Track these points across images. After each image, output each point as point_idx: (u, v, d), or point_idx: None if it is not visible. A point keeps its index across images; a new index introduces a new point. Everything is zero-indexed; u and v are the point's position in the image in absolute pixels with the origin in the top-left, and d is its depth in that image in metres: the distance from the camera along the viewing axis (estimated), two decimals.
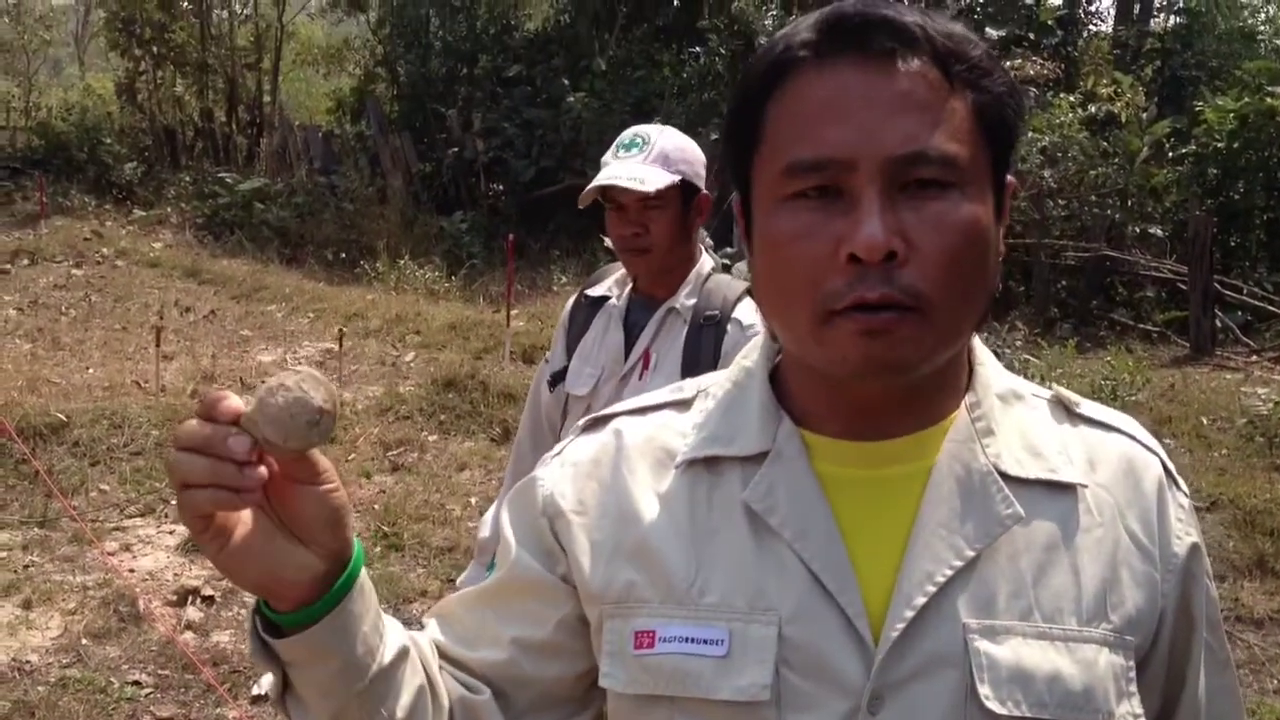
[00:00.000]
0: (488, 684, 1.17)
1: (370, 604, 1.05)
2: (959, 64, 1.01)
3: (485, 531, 2.87)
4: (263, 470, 0.94)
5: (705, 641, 1.07)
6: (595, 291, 2.77)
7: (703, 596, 1.08)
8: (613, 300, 2.72)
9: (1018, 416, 1.13)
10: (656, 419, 1.20)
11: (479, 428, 7.51)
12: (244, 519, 0.98)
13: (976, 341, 1.16)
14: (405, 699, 1.08)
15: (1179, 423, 7.70)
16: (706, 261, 2.69)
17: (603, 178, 2.52)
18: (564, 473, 1.19)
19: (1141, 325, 11.54)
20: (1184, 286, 11.28)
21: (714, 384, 1.21)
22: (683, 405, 1.20)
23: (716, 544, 1.10)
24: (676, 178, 2.52)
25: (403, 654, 1.08)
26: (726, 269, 3.05)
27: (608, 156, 2.60)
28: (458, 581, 2.91)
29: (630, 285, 2.71)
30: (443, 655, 1.18)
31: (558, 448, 1.24)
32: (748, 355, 1.19)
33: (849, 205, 0.99)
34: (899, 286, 0.98)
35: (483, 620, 1.19)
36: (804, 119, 1.02)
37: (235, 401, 0.93)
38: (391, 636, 1.08)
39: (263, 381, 0.93)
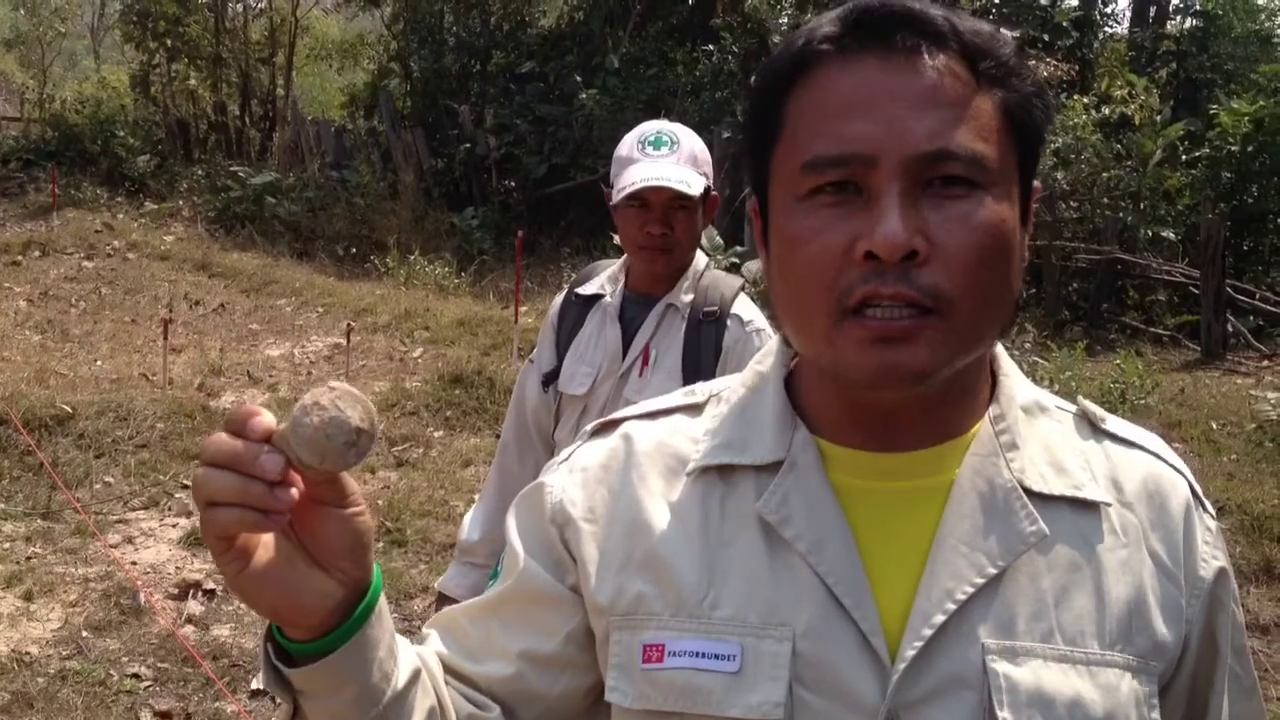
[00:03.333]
0: (494, 699, 1.13)
1: (387, 628, 1.01)
2: (987, 61, 0.98)
3: (466, 534, 2.84)
4: (294, 492, 0.89)
5: (716, 656, 1.03)
6: (586, 290, 2.75)
7: (714, 610, 1.04)
8: (606, 298, 2.70)
9: (1042, 430, 1.09)
10: (667, 424, 1.16)
11: (485, 424, 7.50)
12: (265, 541, 0.94)
13: (1000, 351, 1.12)
14: None
15: (1188, 427, 7.66)
16: (702, 258, 2.68)
17: (644, 178, 2.49)
18: (573, 479, 1.15)
19: (1153, 329, 11.49)
20: (1196, 290, 11.23)
21: (726, 389, 1.17)
22: (694, 410, 1.17)
23: (729, 556, 1.06)
24: (705, 180, 2.53)
25: (415, 676, 1.04)
26: (736, 268, 3.04)
27: (631, 152, 2.57)
28: (437, 584, 2.88)
29: (623, 282, 2.70)
30: (447, 669, 1.14)
31: (565, 453, 1.20)
32: (762, 360, 1.15)
33: (869, 202, 0.96)
34: (918, 286, 0.95)
35: (488, 633, 1.15)
36: (825, 114, 0.98)
37: (268, 418, 0.88)
38: (404, 658, 1.04)
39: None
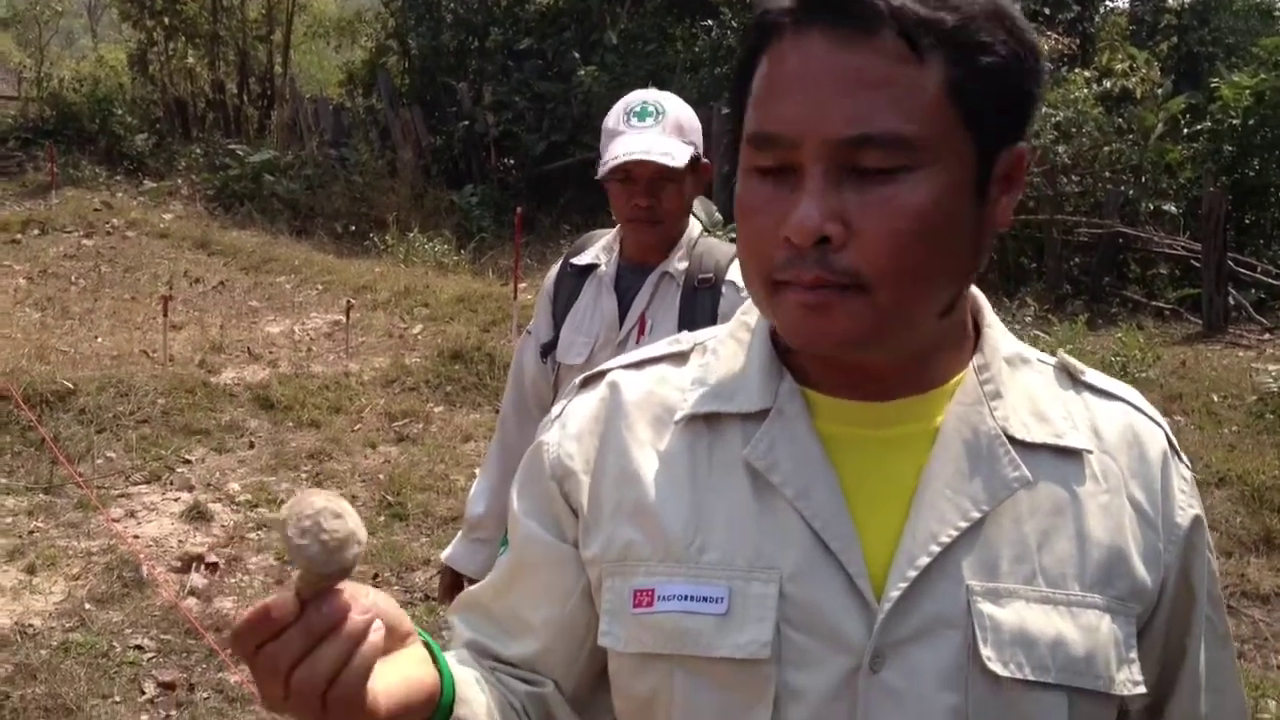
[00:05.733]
0: (535, 673, 1.15)
1: (466, 679, 1.06)
2: (929, 35, 0.96)
3: (471, 509, 2.85)
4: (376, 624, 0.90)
5: (704, 599, 1.05)
6: (581, 260, 2.75)
7: (702, 554, 1.06)
8: (601, 267, 2.70)
9: (1024, 381, 1.12)
10: (654, 373, 1.17)
11: (485, 400, 7.50)
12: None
13: (984, 304, 1.15)
14: None
15: (1189, 399, 7.66)
16: (695, 226, 2.68)
17: (628, 152, 2.49)
18: (567, 433, 1.16)
19: (1154, 302, 11.47)
20: (1197, 264, 11.21)
21: (712, 338, 1.19)
22: (680, 359, 1.18)
23: (716, 502, 1.08)
24: (691, 149, 2.52)
25: (479, 681, 1.09)
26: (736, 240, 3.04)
27: (617, 124, 2.56)
28: (443, 556, 2.89)
29: (617, 251, 2.70)
30: (484, 655, 1.16)
31: (556, 409, 1.21)
32: (748, 311, 1.16)
33: (797, 183, 0.98)
34: (835, 269, 0.97)
35: (511, 609, 1.17)
36: (770, 89, 1.01)
37: (282, 596, 0.88)
38: (467, 674, 1.08)
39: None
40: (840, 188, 0.97)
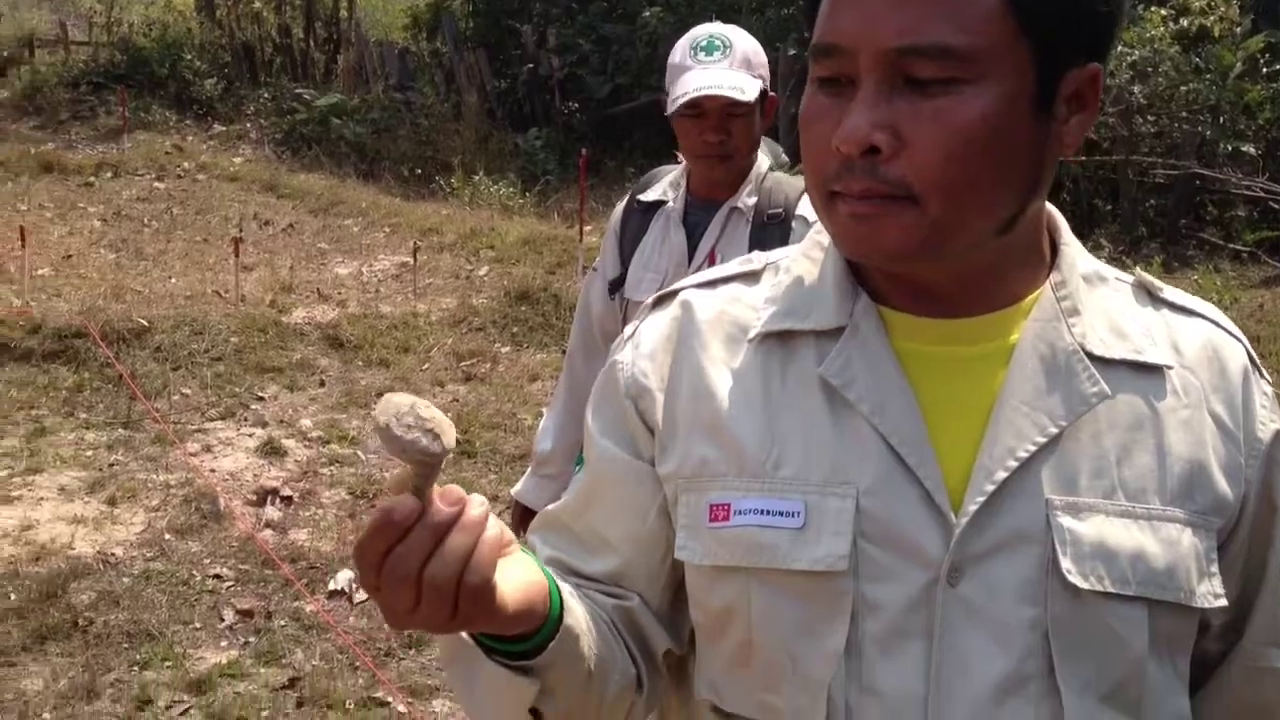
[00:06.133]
0: (619, 588, 1.16)
1: (567, 589, 1.07)
2: None
3: (540, 445, 2.87)
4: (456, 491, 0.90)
5: (781, 514, 1.06)
6: (648, 196, 2.75)
7: (778, 470, 1.07)
8: (669, 203, 2.70)
9: (1102, 298, 1.11)
10: (726, 292, 1.18)
11: (551, 340, 7.53)
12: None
13: (1061, 222, 1.14)
14: (598, 648, 1.09)
15: (1267, 343, 7.51)
16: (763, 161, 2.68)
17: (698, 87, 2.48)
18: (641, 351, 1.17)
19: (1231, 245, 11.21)
20: (1276, 206, 10.93)
21: (785, 258, 1.19)
22: (752, 278, 1.19)
23: (791, 418, 1.08)
24: (760, 83, 2.51)
25: (573, 594, 1.10)
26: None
27: (684, 59, 2.55)
28: (512, 492, 2.93)
29: (685, 187, 2.69)
30: (564, 571, 1.17)
31: (629, 330, 1.22)
32: (821, 231, 1.16)
33: (853, 94, 0.99)
34: (884, 179, 0.98)
35: (590, 527, 1.18)
36: (832, 1, 1.01)
37: (399, 498, 0.88)
38: (565, 585, 1.08)
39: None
40: (893, 99, 0.97)
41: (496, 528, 0.91)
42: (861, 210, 1.00)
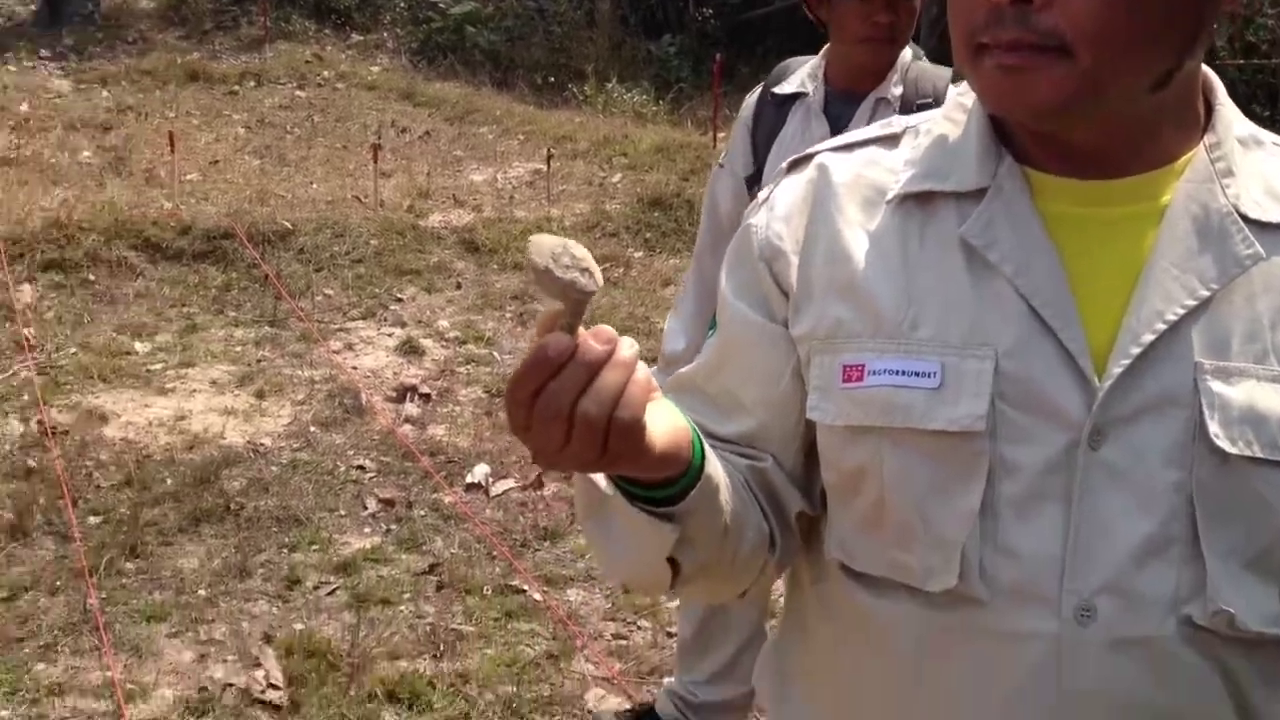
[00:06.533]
0: (753, 449, 1.16)
1: (709, 453, 1.05)
2: None
3: (669, 345, 2.87)
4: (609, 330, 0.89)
5: (916, 374, 1.04)
6: (783, 89, 2.72)
7: (914, 330, 1.05)
8: (809, 94, 2.66)
9: (1258, 161, 1.07)
10: (863, 155, 1.16)
11: (684, 245, 7.51)
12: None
13: (1216, 83, 1.10)
14: (735, 504, 1.09)
15: None
16: (906, 51, 2.65)
17: None
18: (775, 214, 1.16)
19: None
20: None
21: (925, 121, 1.17)
22: (890, 141, 1.16)
23: (929, 279, 1.07)
24: None
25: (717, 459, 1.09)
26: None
27: None
28: None
29: (822, 78, 2.66)
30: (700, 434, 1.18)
31: (763, 194, 1.21)
32: (965, 93, 1.13)
33: None
34: (1037, 29, 0.95)
35: (723, 389, 1.18)
36: None
37: (552, 335, 0.87)
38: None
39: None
40: None
41: (645, 370, 0.91)
42: (1010, 62, 0.97)
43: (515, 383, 0.87)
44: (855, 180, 1.13)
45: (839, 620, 1.15)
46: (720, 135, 8.96)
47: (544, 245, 0.87)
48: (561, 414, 0.86)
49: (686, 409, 1.18)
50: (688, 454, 0.99)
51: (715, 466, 1.05)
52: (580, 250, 0.88)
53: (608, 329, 0.89)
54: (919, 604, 1.06)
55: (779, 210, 1.16)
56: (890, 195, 1.11)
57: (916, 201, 1.10)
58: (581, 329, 0.89)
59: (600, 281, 0.88)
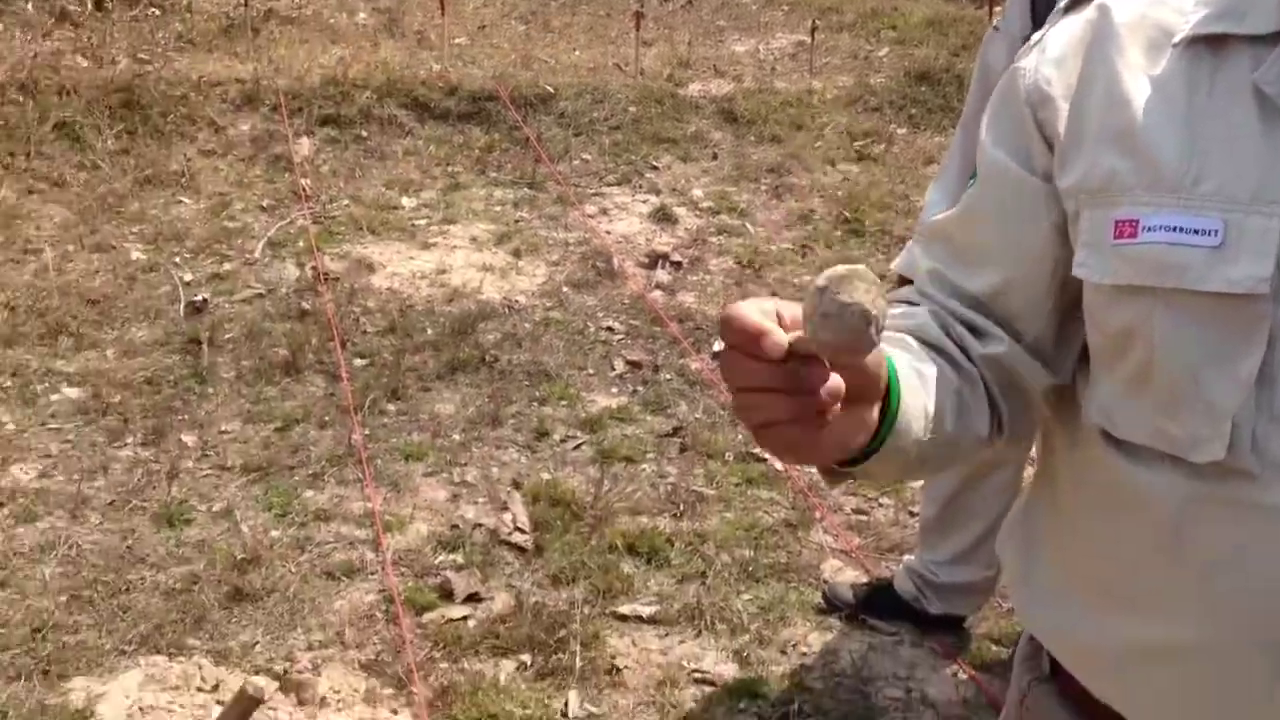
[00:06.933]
0: (993, 316, 1.09)
1: (911, 387, 0.99)
2: None
3: (927, 214, 2.76)
4: (838, 382, 0.84)
5: (1195, 231, 0.95)
6: None
7: (1196, 185, 0.96)
8: None
9: None
10: None
11: (950, 123, 7.18)
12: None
13: None
14: (949, 416, 1.04)
15: None
16: None
17: None
18: (1046, 57, 1.07)
19: None
20: None
21: None
22: None
23: (1217, 130, 0.97)
24: None
25: (930, 377, 1.03)
26: None
27: None
28: (893, 265, 2.83)
29: None
30: (940, 283, 1.12)
31: (1037, 36, 1.11)
32: None
33: None
34: None
35: (974, 240, 1.12)
36: None
37: (779, 336, 0.82)
38: (920, 371, 1.02)
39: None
40: None
41: (834, 415, 0.86)
42: None
43: (725, 318, 0.84)
44: (1140, 20, 1.04)
45: (1093, 487, 1.09)
46: (996, 9, 8.49)
47: (861, 287, 0.79)
48: (732, 378, 0.85)
49: (934, 259, 1.15)
50: (875, 425, 0.95)
51: (909, 414, 0.98)
52: (879, 303, 0.79)
53: (840, 386, 0.84)
54: (1183, 474, 1.00)
55: (1051, 53, 1.08)
56: (1178, 38, 1.01)
57: (1207, 45, 1.00)
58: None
59: (862, 343, 0.80)
